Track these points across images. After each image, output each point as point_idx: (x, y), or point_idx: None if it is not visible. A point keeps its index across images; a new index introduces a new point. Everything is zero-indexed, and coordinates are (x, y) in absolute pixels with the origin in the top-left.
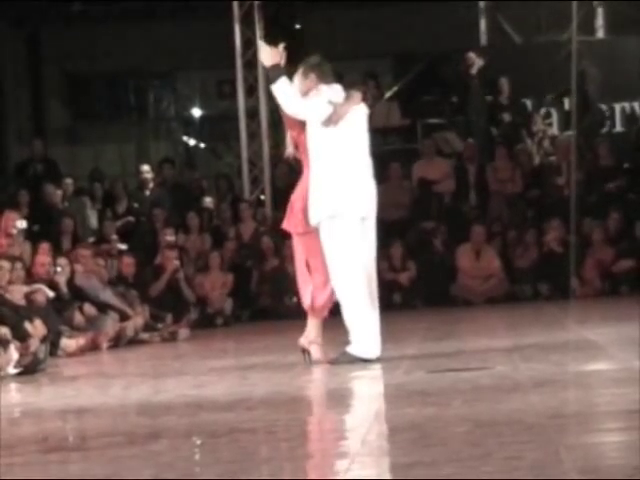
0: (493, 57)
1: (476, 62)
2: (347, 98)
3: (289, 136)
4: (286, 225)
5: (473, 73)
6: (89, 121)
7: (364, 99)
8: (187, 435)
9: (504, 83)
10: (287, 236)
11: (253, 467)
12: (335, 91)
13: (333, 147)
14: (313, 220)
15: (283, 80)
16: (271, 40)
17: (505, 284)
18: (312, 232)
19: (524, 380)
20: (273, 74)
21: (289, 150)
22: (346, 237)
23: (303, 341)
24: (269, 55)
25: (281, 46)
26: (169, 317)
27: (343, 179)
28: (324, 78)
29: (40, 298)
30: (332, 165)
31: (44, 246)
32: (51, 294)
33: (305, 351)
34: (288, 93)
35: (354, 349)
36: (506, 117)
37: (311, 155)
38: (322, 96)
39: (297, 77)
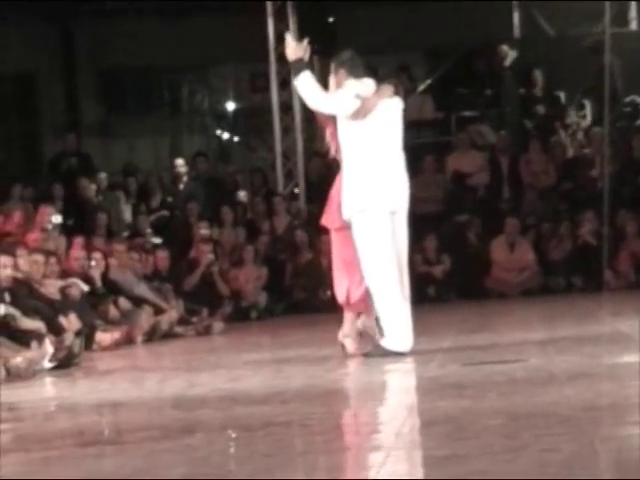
0: (527, 50)
1: (509, 54)
2: (376, 92)
3: (328, 134)
4: (324, 221)
5: (506, 65)
6: (123, 115)
7: (396, 93)
8: (222, 429)
9: (538, 75)
10: (321, 230)
11: (288, 461)
12: (365, 85)
13: (362, 141)
14: (345, 214)
15: (306, 74)
16: (302, 34)
17: (539, 277)
18: (349, 228)
19: (559, 372)
20: (296, 68)
21: (332, 151)
22: (376, 231)
23: (339, 335)
24: (293, 50)
25: (305, 41)
26: (205, 311)
27: (372, 173)
28: (354, 72)
29: (74, 292)
30: (362, 159)
31: (78, 240)
32: (85, 288)
33: (342, 345)
34: (310, 87)
35: (387, 342)
36: (540, 109)
37: (342, 149)
38: (348, 90)
39: (331, 73)
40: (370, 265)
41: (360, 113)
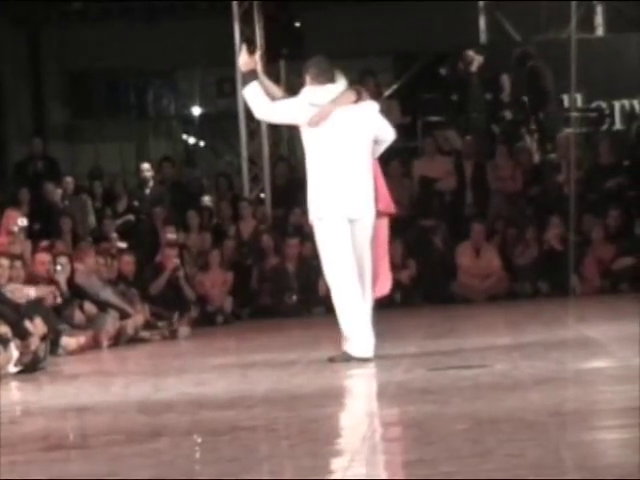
0: (493, 55)
1: (475, 59)
2: (333, 99)
3: None
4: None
5: (473, 71)
6: (89, 119)
7: (359, 99)
8: (188, 433)
9: (505, 80)
10: (286, 235)
11: (253, 465)
12: (324, 91)
13: (319, 148)
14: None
15: (253, 85)
16: (268, 38)
17: (505, 282)
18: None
19: (524, 378)
20: (246, 79)
21: None
22: (331, 239)
23: None
24: (245, 61)
25: (258, 54)
26: (176, 315)
27: (328, 181)
28: (317, 79)
29: (50, 300)
30: (318, 166)
31: (44, 245)
32: (59, 299)
33: None
34: (257, 98)
35: (350, 348)
36: (507, 115)
37: (306, 156)
38: (301, 98)
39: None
40: (329, 272)
41: (312, 121)
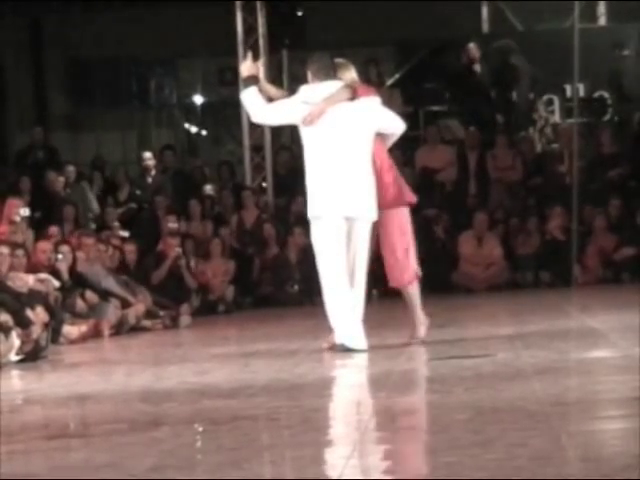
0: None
1: (478, 54)
2: (327, 97)
3: None
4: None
5: (475, 62)
6: (90, 108)
7: (355, 96)
8: (189, 422)
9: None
10: (288, 224)
11: (255, 454)
12: (323, 89)
13: (315, 147)
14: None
15: (251, 90)
16: (271, 28)
17: (507, 271)
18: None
19: (526, 367)
20: (246, 84)
21: None
22: (325, 238)
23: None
24: (247, 67)
25: (260, 61)
26: (185, 306)
27: (325, 180)
28: (317, 75)
29: (50, 287)
30: (315, 165)
31: (45, 233)
32: (56, 284)
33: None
34: (253, 102)
35: (343, 340)
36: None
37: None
38: (296, 97)
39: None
40: (321, 270)
41: (307, 120)
